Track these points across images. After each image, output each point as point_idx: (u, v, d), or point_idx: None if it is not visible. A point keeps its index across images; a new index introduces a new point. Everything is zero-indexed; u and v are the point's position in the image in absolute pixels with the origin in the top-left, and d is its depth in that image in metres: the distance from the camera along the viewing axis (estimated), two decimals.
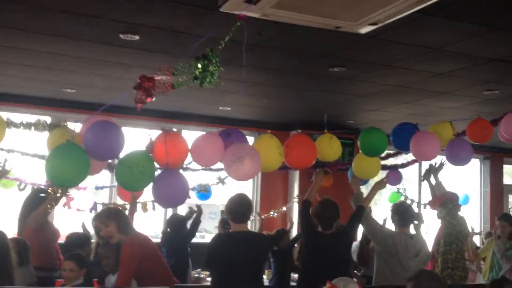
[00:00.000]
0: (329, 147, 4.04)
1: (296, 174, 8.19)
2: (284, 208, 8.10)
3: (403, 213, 4.44)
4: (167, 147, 3.37)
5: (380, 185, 4.55)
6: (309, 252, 4.24)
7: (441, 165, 5.03)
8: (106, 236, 3.81)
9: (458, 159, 4.29)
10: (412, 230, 4.50)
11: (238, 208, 3.84)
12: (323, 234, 4.19)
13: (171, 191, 3.41)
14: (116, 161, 3.39)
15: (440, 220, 5.17)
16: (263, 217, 7.64)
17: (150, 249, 3.92)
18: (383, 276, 4.33)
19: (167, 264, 4.16)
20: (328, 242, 4.15)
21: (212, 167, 5.74)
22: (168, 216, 6.59)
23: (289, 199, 8.25)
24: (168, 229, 5.82)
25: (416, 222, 4.51)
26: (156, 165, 3.42)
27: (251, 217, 8.32)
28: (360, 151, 4.35)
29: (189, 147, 3.48)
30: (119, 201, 6.95)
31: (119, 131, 3.23)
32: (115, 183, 6.44)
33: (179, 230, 5.74)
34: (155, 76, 3.29)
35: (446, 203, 5.03)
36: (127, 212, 4.35)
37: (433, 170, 5.09)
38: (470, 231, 5.14)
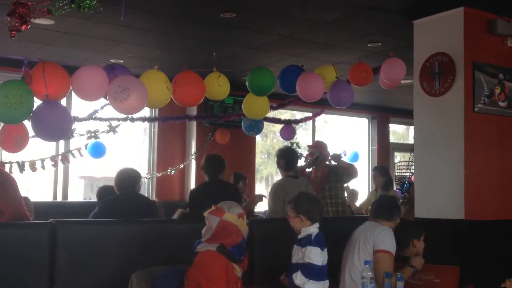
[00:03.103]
0: (218, 85, 4.10)
1: (194, 131, 8.20)
2: (182, 166, 8.13)
3: (289, 157, 4.70)
4: (46, 78, 3.26)
5: None
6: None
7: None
8: None
9: (339, 100, 4.53)
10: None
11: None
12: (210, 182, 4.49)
13: (51, 123, 3.31)
14: None
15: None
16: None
17: None
18: None
19: (22, 202, 3.95)
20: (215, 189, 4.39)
21: (103, 116, 5.68)
22: None
23: (186, 156, 8.26)
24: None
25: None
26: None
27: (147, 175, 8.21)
28: (249, 91, 4.46)
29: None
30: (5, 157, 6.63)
31: None
32: None
33: None
34: (29, 2, 3.15)
35: None
36: None
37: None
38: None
